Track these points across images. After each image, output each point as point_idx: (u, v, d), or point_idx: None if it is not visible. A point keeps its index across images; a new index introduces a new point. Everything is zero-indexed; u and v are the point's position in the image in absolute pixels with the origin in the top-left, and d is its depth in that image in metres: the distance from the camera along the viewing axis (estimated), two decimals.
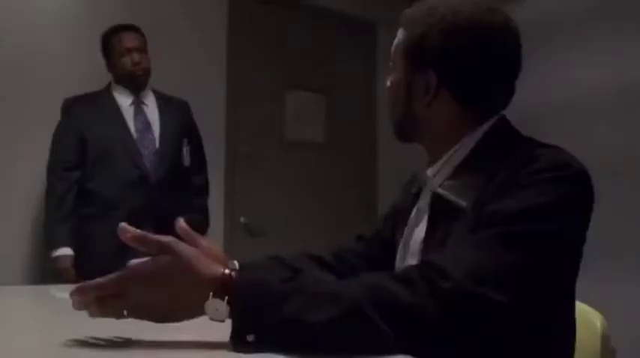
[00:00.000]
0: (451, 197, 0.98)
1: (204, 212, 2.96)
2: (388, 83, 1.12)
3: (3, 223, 2.83)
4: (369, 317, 0.75)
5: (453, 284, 0.78)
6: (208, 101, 3.37)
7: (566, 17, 3.17)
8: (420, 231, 1.05)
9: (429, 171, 1.06)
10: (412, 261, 1.04)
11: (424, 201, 1.07)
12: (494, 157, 0.97)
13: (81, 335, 0.82)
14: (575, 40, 3.12)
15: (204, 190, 2.99)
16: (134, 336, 0.84)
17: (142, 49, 2.81)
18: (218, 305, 0.77)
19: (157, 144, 2.77)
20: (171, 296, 0.79)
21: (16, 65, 2.90)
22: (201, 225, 2.93)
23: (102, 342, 0.81)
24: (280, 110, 3.71)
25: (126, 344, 0.81)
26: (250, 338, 0.74)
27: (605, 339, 1.20)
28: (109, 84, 2.85)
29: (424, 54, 1.03)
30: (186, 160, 2.89)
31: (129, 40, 2.78)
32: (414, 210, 1.09)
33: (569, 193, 0.90)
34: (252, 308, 0.76)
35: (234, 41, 3.54)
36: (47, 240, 2.68)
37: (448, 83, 1.03)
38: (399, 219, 1.15)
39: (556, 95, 3.17)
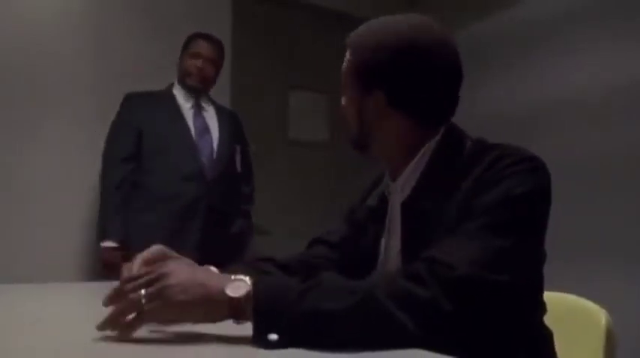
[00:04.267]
0: (420, 204, 1.05)
1: (249, 218, 3.07)
2: (343, 102, 1.19)
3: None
4: (385, 306, 0.81)
5: (460, 274, 0.85)
6: None
7: (566, 17, 3.19)
8: (396, 241, 1.11)
9: (398, 185, 1.13)
10: (394, 270, 1.09)
11: (395, 212, 1.13)
12: (454, 162, 1.05)
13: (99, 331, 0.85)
14: (574, 40, 3.13)
15: (251, 199, 3.09)
16: (155, 331, 0.88)
17: (212, 61, 2.90)
18: (240, 283, 0.84)
19: (215, 146, 2.84)
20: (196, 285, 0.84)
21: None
22: (249, 230, 3.05)
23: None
24: (283, 109, 3.74)
25: (147, 339, 0.84)
26: (273, 336, 0.78)
27: (610, 335, 1.22)
28: (171, 84, 2.91)
29: (372, 76, 1.10)
30: (239, 166, 2.98)
31: (203, 47, 2.88)
32: (386, 222, 1.15)
33: (540, 181, 1.00)
34: (273, 307, 0.81)
35: (237, 41, 3.56)
36: (99, 230, 2.70)
37: (396, 101, 1.09)
38: (363, 230, 1.21)
39: (555, 94, 3.19)
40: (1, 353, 0.76)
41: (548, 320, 1.12)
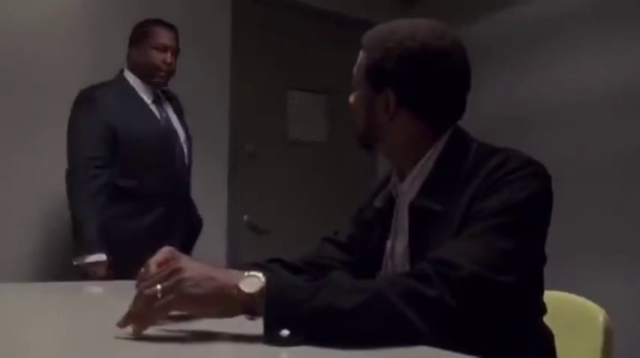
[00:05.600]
0: (428, 205, 1.08)
1: None
2: (351, 99, 1.21)
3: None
4: (394, 305, 0.84)
5: (465, 274, 0.89)
6: (212, 100, 3.41)
7: (566, 17, 3.18)
8: (403, 241, 1.14)
9: (405, 185, 1.16)
10: (400, 270, 1.12)
11: (402, 213, 1.16)
12: (460, 164, 1.08)
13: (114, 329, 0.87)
14: (574, 39, 3.12)
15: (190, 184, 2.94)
16: (168, 330, 0.90)
17: (175, 53, 2.72)
18: (254, 280, 0.85)
19: (182, 143, 2.72)
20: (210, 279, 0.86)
21: (20, 64, 2.93)
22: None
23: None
24: (282, 110, 3.76)
25: (159, 337, 0.86)
26: (284, 333, 0.80)
27: (608, 333, 1.24)
28: (121, 75, 2.69)
29: (383, 75, 1.13)
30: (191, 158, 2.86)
31: (168, 38, 2.69)
32: (393, 223, 1.18)
33: (542, 186, 1.04)
34: (286, 303, 0.83)
35: (237, 42, 3.58)
36: (79, 243, 2.44)
37: (406, 101, 1.13)
38: (370, 230, 1.24)
39: (556, 94, 3.18)
40: (9, 351, 0.77)
41: (546, 318, 1.14)
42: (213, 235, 3.21)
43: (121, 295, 0.95)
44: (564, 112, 3.13)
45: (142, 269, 0.97)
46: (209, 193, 3.13)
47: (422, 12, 3.45)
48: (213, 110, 3.39)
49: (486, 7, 3.63)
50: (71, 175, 2.49)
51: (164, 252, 0.99)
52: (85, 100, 2.56)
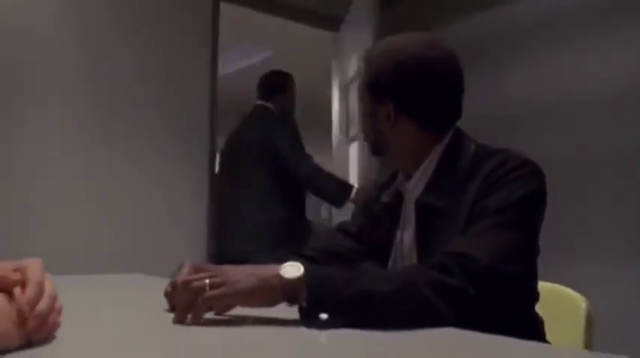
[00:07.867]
0: (432, 202, 1.18)
1: None
2: (360, 113, 1.34)
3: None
4: (423, 293, 0.94)
5: (483, 266, 0.99)
6: (198, 100, 3.47)
7: (560, 16, 3.17)
8: (410, 234, 1.25)
9: (411, 184, 1.27)
10: (407, 261, 1.24)
11: (409, 209, 1.26)
12: (460, 164, 1.19)
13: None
14: (572, 38, 3.11)
15: None
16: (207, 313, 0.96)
17: None
18: (293, 268, 0.93)
19: None
20: (251, 274, 0.94)
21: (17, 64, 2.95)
22: None
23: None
24: None
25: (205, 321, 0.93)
26: (323, 316, 0.88)
27: (590, 320, 1.34)
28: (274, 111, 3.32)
29: (382, 87, 1.25)
30: None
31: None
32: (402, 216, 1.29)
33: (540, 183, 1.14)
34: (326, 288, 0.91)
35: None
36: (342, 191, 3.27)
37: (404, 110, 1.24)
38: (378, 223, 1.34)
39: (553, 94, 3.18)
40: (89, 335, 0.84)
41: (537, 306, 1.25)
42: (195, 236, 3.34)
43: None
44: (563, 112, 3.11)
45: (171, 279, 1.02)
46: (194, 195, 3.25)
47: (414, 11, 3.29)
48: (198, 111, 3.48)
49: (481, 6, 3.56)
50: (303, 165, 3.22)
51: (187, 265, 1.01)
52: (284, 116, 3.34)
